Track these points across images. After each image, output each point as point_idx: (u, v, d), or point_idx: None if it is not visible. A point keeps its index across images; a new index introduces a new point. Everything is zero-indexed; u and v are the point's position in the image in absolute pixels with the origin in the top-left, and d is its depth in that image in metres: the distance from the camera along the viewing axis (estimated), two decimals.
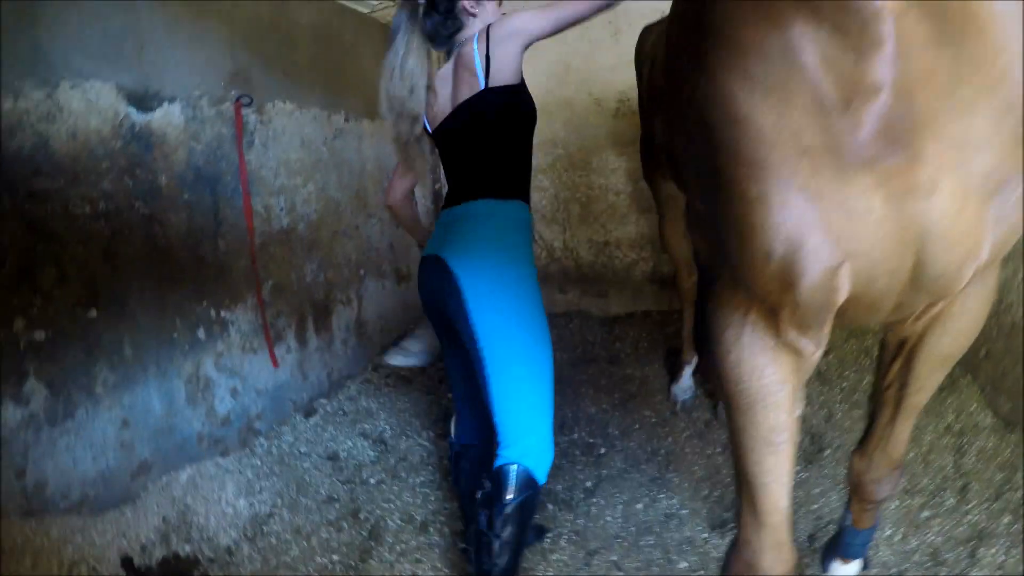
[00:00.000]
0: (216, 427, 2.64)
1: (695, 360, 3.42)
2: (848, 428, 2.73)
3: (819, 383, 3.15)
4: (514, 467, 1.77)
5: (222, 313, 2.75)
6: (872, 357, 3.28)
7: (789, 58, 0.93)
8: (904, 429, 1.62)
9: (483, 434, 2.04)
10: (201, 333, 2.62)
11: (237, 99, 2.80)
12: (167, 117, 2.44)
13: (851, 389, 3.03)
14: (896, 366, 1.52)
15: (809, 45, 0.92)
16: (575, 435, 3.25)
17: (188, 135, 2.55)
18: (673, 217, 3.18)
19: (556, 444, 3.21)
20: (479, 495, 1.85)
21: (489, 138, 1.85)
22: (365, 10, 3.97)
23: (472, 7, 1.92)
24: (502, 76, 1.81)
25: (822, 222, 0.99)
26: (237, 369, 2.81)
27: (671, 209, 3.16)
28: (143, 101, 2.32)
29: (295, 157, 3.26)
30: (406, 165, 2.06)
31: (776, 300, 1.10)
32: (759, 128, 0.98)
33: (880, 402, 1.63)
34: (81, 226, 2.08)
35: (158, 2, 2.33)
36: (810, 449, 2.66)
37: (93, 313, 2.11)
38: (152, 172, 2.38)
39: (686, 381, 3.41)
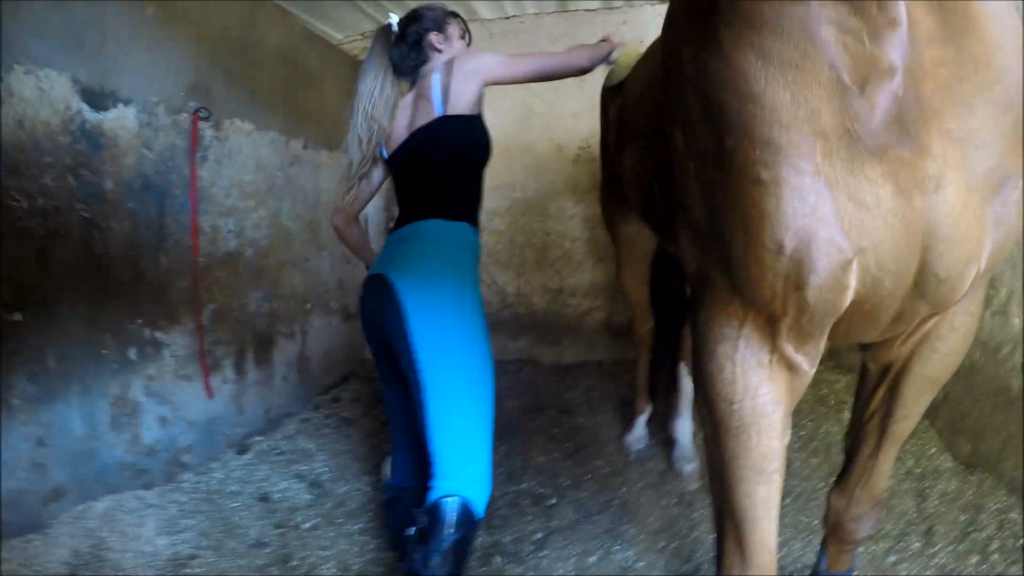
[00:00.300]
0: (140, 456, 2.40)
1: (649, 410, 3.38)
2: (807, 476, 2.72)
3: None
4: (453, 499, 1.64)
5: (157, 334, 2.55)
6: (828, 406, 3.34)
7: (806, 34, 0.91)
8: (888, 461, 1.59)
9: (420, 475, 1.91)
10: (132, 353, 2.42)
11: (195, 111, 2.69)
12: (121, 119, 2.31)
13: (808, 438, 3.05)
14: (880, 393, 1.49)
15: (827, 21, 0.90)
16: (523, 485, 3.13)
17: (140, 141, 2.42)
18: (631, 261, 3.19)
19: (503, 495, 3.10)
20: (412, 532, 1.69)
21: (440, 162, 1.84)
22: (335, 39, 3.97)
23: (439, 43, 1.98)
24: (458, 107, 1.83)
25: (835, 212, 0.96)
26: (168, 396, 2.59)
27: (629, 253, 3.18)
28: (98, 99, 2.19)
29: (249, 179, 3.14)
30: (356, 188, 2.01)
31: (779, 305, 1.05)
32: (774, 106, 0.95)
33: (862, 434, 1.59)
34: (15, 221, 1.91)
35: (126, 2, 2.24)
36: None
37: (17, 316, 1.92)
38: (98, 174, 2.23)
39: (640, 431, 3.36)
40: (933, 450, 2.66)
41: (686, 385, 3.10)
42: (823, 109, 0.93)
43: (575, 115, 4.22)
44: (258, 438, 3.13)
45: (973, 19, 0.93)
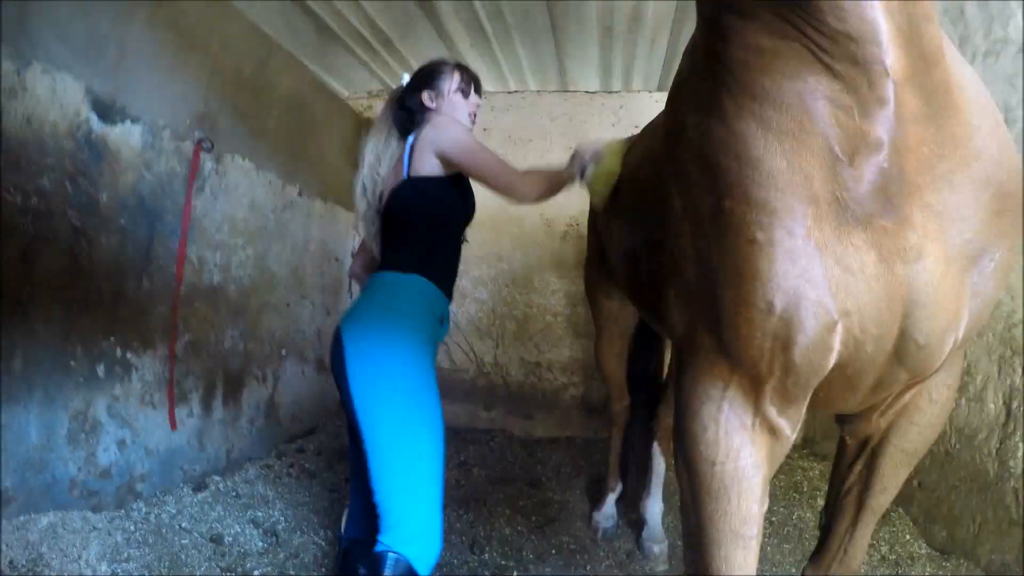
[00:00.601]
0: (93, 477, 2.28)
1: (619, 488, 3.31)
2: (779, 562, 2.65)
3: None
4: (392, 555, 1.59)
5: (128, 355, 2.49)
6: (802, 492, 3.30)
7: (803, 107, 0.98)
8: (865, 535, 1.56)
9: (372, 528, 1.86)
10: (100, 370, 2.35)
11: (199, 141, 2.75)
12: (126, 135, 2.35)
13: (780, 523, 2.99)
14: (857, 468, 1.49)
15: (822, 96, 0.97)
16: (486, 555, 2.99)
17: (142, 161, 2.46)
18: (610, 336, 3.22)
19: (465, 563, 2.97)
20: None
21: (399, 220, 1.87)
22: (342, 94, 4.12)
23: (428, 101, 1.98)
24: (421, 169, 1.84)
25: (823, 275, 1.01)
26: (130, 420, 2.49)
27: (609, 328, 3.21)
28: (107, 112, 2.24)
29: (241, 216, 3.17)
30: (369, 237, 2.04)
31: (765, 365, 1.08)
32: (771, 171, 1.01)
33: (839, 508, 1.57)
34: (6, 215, 1.90)
35: (149, 25, 2.34)
36: None
37: None
38: (95, 186, 2.24)
39: (609, 508, 3.27)
40: (908, 536, 2.63)
41: (659, 465, 3.07)
42: (815, 176, 1.00)
43: (566, 192, 4.35)
44: (216, 477, 2.99)
45: (953, 101, 1.02)
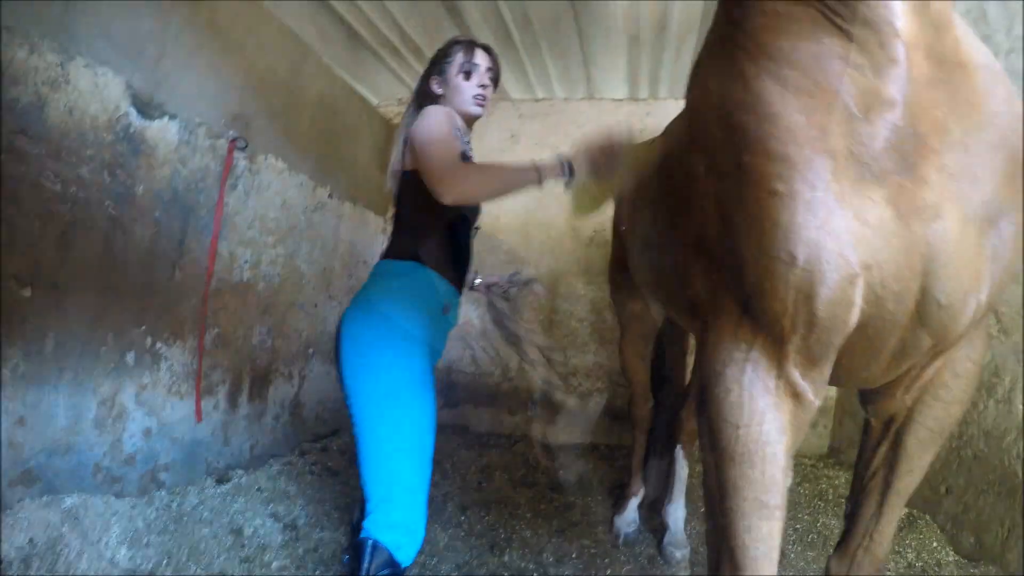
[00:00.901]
0: (118, 463, 2.33)
1: (642, 492, 3.27)
2: (802, 569, 2.59)
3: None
4: (370, 542, 1.57)
5: (158, 345, 2.55)
6: (827, 500, 3.21)
7: (819, 66, 1.03)
8: (891, 521, 1.52)
9: None
10: (130, 358, 2.40)
11: (233, 139, 2.83)
12: (163, 131, 2.43)
13: (805, 531, 2.92)
14: (883, 449, 1.47)
15: (836, 56, 1.02)
16: (506, 557, 2.98)
17: (177, 156, 2.53)
18: (634, 338, 3.20)
19: (483, 564, 2.95)
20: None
21: (400, 212, 1.87)
22: (373, 101, 4.19)
23: (436, 87, 1.91)
24: (409, 163, 1.80)
25: (843, 227, 1.02)
26: (157, 409, 2.54)
27: (633, 329, 3.19)
28: (146, 107, 2.32)
29: (272, 216, 3.24)
30: None
31: (788, 320, 1.08)
32: (789, 124, 1.05)
33: (863, 495, 1.54)
34: (46, 201, 1.97)
35: (188, 26, 2.42)
36: None
37: (27, 292, 1.93)
38: (132, 177, 2.32)
39: (631, 514, 3.22)
40: (935, 543, 2.55)
41: (681, 470, 3.03)
42: (832, 131, 1.03)
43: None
44: (239, 471, 3.03)
45: (965, 67, 1.05)
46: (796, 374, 1.14)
